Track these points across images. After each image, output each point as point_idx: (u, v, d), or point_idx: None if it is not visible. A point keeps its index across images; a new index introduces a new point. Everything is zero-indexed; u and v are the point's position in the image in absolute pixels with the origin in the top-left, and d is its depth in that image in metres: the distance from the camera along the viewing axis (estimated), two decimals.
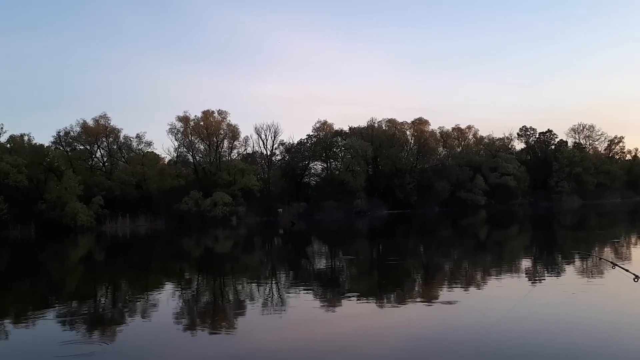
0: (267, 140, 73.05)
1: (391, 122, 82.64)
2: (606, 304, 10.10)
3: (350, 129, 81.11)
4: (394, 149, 78.39)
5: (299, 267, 19.46)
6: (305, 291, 13.39)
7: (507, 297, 10.87)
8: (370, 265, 19.60)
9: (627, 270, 7.33)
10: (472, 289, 12.45)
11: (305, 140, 77.19)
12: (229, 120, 68.52)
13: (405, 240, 30.34)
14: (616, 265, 8.28)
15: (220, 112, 68.12)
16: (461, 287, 12.66)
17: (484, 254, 21.12)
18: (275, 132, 72.94)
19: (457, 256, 21.01)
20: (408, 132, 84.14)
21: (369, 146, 73.28)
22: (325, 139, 77.21)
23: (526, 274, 14.65)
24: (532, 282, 12.91)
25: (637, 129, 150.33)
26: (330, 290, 13.59)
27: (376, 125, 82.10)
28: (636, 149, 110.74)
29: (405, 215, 64.73)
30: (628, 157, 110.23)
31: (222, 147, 68.41)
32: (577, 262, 16.16)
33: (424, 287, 13.57)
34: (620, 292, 10.85)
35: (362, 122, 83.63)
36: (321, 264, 20.62)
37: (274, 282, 15.78)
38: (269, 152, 73.80)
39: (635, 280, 6.54)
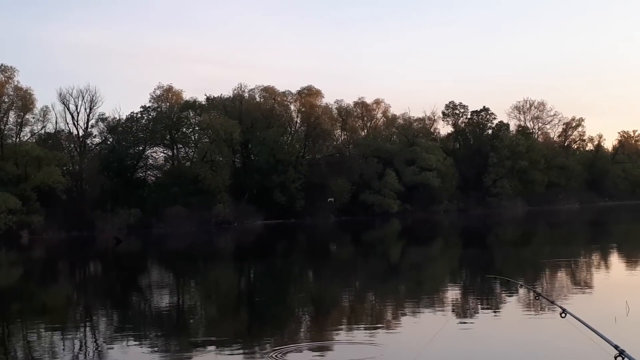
0: (78, 113, 70.26)
1: (268, 91, 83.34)
2: (525, 345, 11.26)
3: (208, 99, 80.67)
4: (273, 131, 79.20)
5: (127, 307, 19.08)
6: (136, 342, 13.20)
7: (413, 341, 11.54)
8: (236, 300, 19.70)
9: (553, 302, 8.13)
10: (380, 331, 13.04)
11: (140, 115, 75.63)
12: (18, 82, 65.43)
13: (287, 263, 30.80)
14: (540, 296, 9.15)
15: (2, 69, 64.63)
16: (364, 328, 13.21)
17: (397, 282, 22.12)
18: (92, 101, 70.30)
19: (360, 285, 21.83)
20: (292, 107, 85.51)
21: (235, 126, 73.28)
22: (170, 114, 76.00)
23: (438, 306, 15.63)
24: (445, 316, 13.84)
25: (601, 108, 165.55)
26: (176, 339, 13.51)
27: (246, 95, 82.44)
28: (600, 136, 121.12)
29: (288, 226, 65.67)
30: (589, 146, 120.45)
31: (6, 123, 64.87)
32: (498, 291, 17.55)
33: (313, 330, 13.96)
34: (540, 331, 12.00)
35: (227, 91, 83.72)
36: (162, 300, 20.38)
37: (88, 329, 15.36)
38: (81, 132, 71.19)
39: (563, 315, 7.26)
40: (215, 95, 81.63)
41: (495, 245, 37.57)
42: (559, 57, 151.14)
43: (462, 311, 14.92)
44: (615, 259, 26.09)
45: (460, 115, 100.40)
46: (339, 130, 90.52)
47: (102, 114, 73.98)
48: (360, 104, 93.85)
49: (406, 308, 15.84)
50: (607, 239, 36.41)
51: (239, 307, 18.33)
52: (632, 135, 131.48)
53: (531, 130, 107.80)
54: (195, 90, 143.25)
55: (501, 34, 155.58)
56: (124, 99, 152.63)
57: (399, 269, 27.08)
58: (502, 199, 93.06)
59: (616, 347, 5.50)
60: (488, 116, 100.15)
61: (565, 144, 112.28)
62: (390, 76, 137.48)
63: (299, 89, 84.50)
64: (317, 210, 76.54)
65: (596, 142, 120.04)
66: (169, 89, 78.13)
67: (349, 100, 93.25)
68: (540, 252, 30.28)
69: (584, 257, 26.96)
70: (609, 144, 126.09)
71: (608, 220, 59.16)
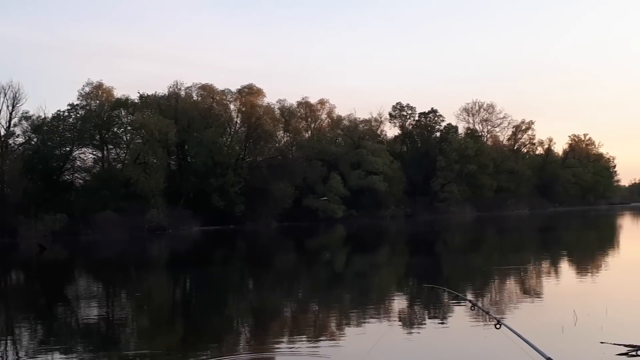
0: (0, 111, 69.71)
1: (206, 89, 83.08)
2: (455, 357, 11.54)
3: (141, 97, 79.94)
4: (211, 132, 78.89)
5: (52, 319, 18.72)
6: (62, 356, 12.98)
7: (356, 353, 11.65)
8: (171, 311, 19.53)
9: (488, 314, 8.33)
10: (323, 341, 13.09)
11: (67, 114, 74.58)
12: None
13: (225, 272, 30.69)
14: (476, 306, 9.39)
15: None
16: (307, 339, 13.25)
17: (340, 291, 22.24)
18: (14, 98, 69.94)
19: (303, 295, 21.87)
20: (232, 106, 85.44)
21: (171, 126, 72.72)
22: (100, 112, 75.09)
23: (376, 316, 15.83)
24: (381, 327, 14.03)
25: (551, 111, 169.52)
26: (105, 353, 13.32)
27: (183, 93, 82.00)
28: (550, 140, 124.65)
29: (226, 233, 65.38)
30: (539, 150, 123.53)
31: None
32: (436, 301, 17.83)
33: (253, 341, 13.93)
34: (474, 343, 12.26)
35: (162, 88, 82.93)
36: (91, 312, 20.05)
37: (9, 343, 15.02)
38: (3, 132, 70.62)
39: (497, 327, 7.44)
40: (149, 93, 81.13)
41: (443, 253, 38.11)
42: (510, 59, 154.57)
43: (399, 322, 15.11)
44: (564, 266, 26.74)
45: (408, 117, 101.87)
46: (281, 132, 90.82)
47: (26, 112, 73.13)
48: (304, 104, 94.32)
49: (349, 318, 15.97)
50: (557, 246, 37.35)
51: (173, 318, 18.17)
52: (583, 139, 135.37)
53: (480, 133, 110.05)
54: (127, 87, 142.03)
55: (452, 33, 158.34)
56: (50, 97, 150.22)
57: (343, 278, 27.24)
58: (451, 204, 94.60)
59: (549, 358, 5.62)
60: (436, 118, 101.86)
61: (515, 148, 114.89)
62: (336, 76, 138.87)
63: (239, 87, 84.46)
64: (258, 215, 76.53)
65: (546, 146, 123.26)
66: (99, 86, 77.26)
67: (292, 100, 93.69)
68: (488, 260, 30.86)
69: (532, 265, 27.54)
70: (559, 147, 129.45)
71: (558, 227, 60.64)
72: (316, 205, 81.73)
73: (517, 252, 34.24)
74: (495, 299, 17.99)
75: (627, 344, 10.39)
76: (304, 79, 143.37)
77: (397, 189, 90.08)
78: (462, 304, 16.07)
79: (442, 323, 14.71)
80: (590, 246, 37.30)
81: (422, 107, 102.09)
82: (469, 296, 17.58)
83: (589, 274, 23.02)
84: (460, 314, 15.56)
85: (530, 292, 19.14)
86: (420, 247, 42.68)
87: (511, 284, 21.24)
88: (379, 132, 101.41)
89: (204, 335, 14.71)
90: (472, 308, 10.05)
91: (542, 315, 14.65)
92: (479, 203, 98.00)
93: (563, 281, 21.56)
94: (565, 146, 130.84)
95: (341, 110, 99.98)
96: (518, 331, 7.23)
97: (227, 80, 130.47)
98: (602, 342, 10.69)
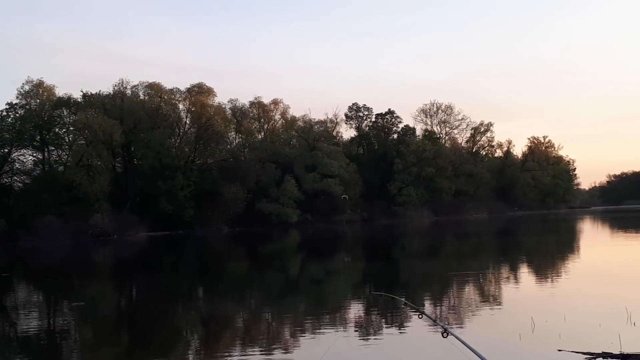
0: None
1: (154, 88, 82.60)
2: None
3: (84, 96, 79.19)
4: (159, 133, 78.44)
5: None
6: None
7: None
8: (115, 321, 19.36)
9: (435, 322, 8.48)
10: (274, 350, 13.14)
11: (5, 113, 73.75)
12: None
13: (173, 280, 30.52)
14: (424, 314, 9.60)
15: None
16: (258, 348, 13.26)
17: (293, 299, 22.30)
18: None
19: (255, 304, 21.87)
20: (181, 106, 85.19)
21: (116, 126, 72.14)
22: (40, 112, 74.17)
23: (325, 325, 15.92)
24: (327, 336, 14.15)
25: (510, 113, 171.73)
26: None
27: (129, 92, 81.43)
28: (509, 142, 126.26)
29: (175, 238, 64.95)
30: (498, 153, 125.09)
31: None
32: (386, 309, 18.02)
33: (202, 352, 13.89)
34: (420, 353, 12.46)
35: (106, 87, 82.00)
36: (30, 323, 19.76)
37: None
38: None
39: (444, 335, 7.59)
40: (93, 92, 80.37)
41: (400, 259, 38.41)
42: (469, 60, 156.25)
43: (349, 330, 15.18)
44: (523, 272, 27.14)
45: (364, 118, 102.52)
46: (233, 133, 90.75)
47: None
48: (257, 104, 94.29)
49: (301, 326, 16.03)
50: (516, 252, 37.92)
51: (118, 329, 18.01)
52: (543, 141, 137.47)
53: (438, 135, 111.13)
54: (70, 86, 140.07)
55: (410, 33, 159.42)
56: None
57: (296, 285, 27.31)
58: (408, 208, 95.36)
59: None
60: (393, 120, 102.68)
61: (474, 150, 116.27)
62: (290, 75, 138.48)
63: (188, 86, 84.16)
64: (209, 220, 76.27)
65: (505, 149, 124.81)
66: (40, 84, 76.25)
67: (245, 100, 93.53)
68: (446, 266, 31.19)
69: (490, 271, 27.90)
70: (518, 150, 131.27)
71: (517, 231, 61.59)
72: (269, 209, 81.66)
73: (475, 258, 34.71)
74: (453, 306, 18.19)
75: (585, 351, 10.61)
76: (257, 78, 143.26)
77: (354, 192, 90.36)
78: (412, 312, 16.25)
79: (390, 332, 14.82)
80: (549, 251, 37.92)
81: (379, 109, 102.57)
82: (426, 303, 17.87)
83: (548, 280, 23.39)
84: (409, 322, 15.70)
85: (488, 298, 19.40)
86: (376, 253, 42.99)
87: (468, 291, 21.49)
88: (334, 133, 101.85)
89: (151, 346, 14.63)
90: (420, 316, 10.19)
91: (499, 323, 14.88)
92: (437, 207, 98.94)
93: (521, 287, 21.88)
94: (525, 149, 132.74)
95: (295, 111, 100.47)
96: (465, 339, 7.36)
97: (176, 79, 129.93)
98: (559, 350, 10.91)
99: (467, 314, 16.31)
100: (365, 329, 15.27)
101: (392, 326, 15.54)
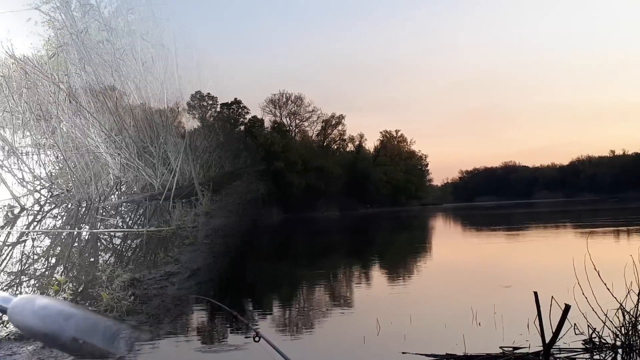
0: None
1: None
2: None
3: None
4: None
5: None
6: None
7: None
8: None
9: (247, 325, 8.22)
10: None
11: None
12: None
13: None
14: (237, 318, 9.41)
15: None
16: None
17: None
18: None
19: None
20: None
21: None
22: None
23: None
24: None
25: (363, 106, 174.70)
26: None
27: None
28: (361, 136, 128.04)
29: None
30: (350, 147, 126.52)
31: None
32: (209, 313, 17.59)
33: None
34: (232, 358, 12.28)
35: None
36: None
37: None
38: None
39: (256, 339, 7.33)
40: None
41: (248, 260, 37.95)
42: (320, 51, 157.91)
43: (165, 336, 14.73)
44: (371, 272, 27.26)
45: (209, 107, 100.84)
46: None
47: None
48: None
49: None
50: (365, 250, 38.24)
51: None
52: (395, 135, 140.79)
53: (288, 128, 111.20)
54: None
55: (264, 25, 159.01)
56: None
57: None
58: (256, 204, 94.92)
59: None
60: (240, 110, 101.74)
61: (325, 144, 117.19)
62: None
63: None
64: None
65: (357, 142, 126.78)
66: None
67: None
68: (294, 266, 30.93)
69: (337, 271, 27.82)
70: (370, 144, 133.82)
71: (368, 229, 62.56)
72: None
73: (323, 257, 34.62)
74: (301, 307, 17.86)
75: (429, 353, 10.56)
76: None
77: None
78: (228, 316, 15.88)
79: (201, 337, 14.30)
80: (399, 250, 38.44)
81: (224, 98, 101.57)
82: (250, 306, 17.50)
83: (396, 280, 23.56)
84: (226, 327, 15.30)
85: (333, 300, 19.25)
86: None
87: (315, 292, 21.28)
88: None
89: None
90: (234, 321, 9.88)
91: (344, 325, 14.69)
92: (287, 203, 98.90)
93: (368, 288, 21.89)
94: (377, 143, 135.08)
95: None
96: (280, 344, 7.11)
97: None
98: (403, 353, 10.80)
99: (311, 316, 16.04)
100: (184, 335, 14.73)
101: (207, 331, 15.02)
